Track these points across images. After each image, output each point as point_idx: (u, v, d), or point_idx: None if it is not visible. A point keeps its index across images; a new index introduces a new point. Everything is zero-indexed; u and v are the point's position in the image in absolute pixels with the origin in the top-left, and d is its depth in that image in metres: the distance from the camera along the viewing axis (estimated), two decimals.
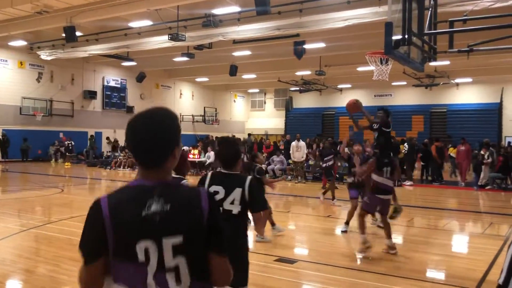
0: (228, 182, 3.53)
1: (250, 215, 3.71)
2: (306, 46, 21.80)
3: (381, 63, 14.60)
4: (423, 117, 34.83)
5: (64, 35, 19.21)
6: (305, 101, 40.58)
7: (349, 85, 36.54)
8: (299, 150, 18.39)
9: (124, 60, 27.45)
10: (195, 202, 1.82)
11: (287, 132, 34.75)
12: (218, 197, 3.47)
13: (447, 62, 24.07)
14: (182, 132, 1.95)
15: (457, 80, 32.56)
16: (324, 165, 13.65)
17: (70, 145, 27.02)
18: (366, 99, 37.34)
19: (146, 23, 19.21)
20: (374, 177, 7.22)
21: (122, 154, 24.91)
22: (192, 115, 36.48)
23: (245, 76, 32.28)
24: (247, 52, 24.53)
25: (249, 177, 3.59)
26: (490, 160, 17.19)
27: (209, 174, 3.73)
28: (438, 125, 34.54)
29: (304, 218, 11.16)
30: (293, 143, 18.71)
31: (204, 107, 38.64)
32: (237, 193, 3.49)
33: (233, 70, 27.12)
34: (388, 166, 7.18)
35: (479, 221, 11.28)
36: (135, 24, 19.56)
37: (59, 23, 18.70)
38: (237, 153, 3.70)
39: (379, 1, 14.23)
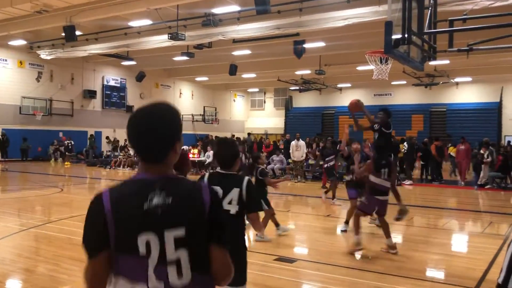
0: (226, 182, 3.53)
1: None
2: (306, 46, 21.80)
3: (381, 62, 14.60)
4: (423, 116, 34.86)
5: (63, 34, 19.21)
6: (305, 101, 40.60)
7: (349, 85, 36.55)
8: (298, 149, 18.39)
9: (123, 60, 27.47)
10: (197, 195, 1.83)
11: (287, 131, 34.75)
12: None
13: (446, 61, 24.08)
14: (182, 132, 1.96)
15: (457, 79, 32.57)
16: (325, 165, 13.64)
17: (69, 144, 27.03)
18: (366, 98, 37.33)
19: (145, 22, 19.21)
20: (372, 178, 7.22)
21: (122, 154, 24.91)
22: (192, 115, 36.48)
23: (245, 76, 32.27)
24: (247, 52, 24.53)
25: (247, 178, 3.60)
26: (489, 159, 17.19)
27: (207, 174, 3.75)
28: (437, 124, 34.56)
29: (304, 218, 11.17)
30: (293, 143, 18.71)
31: (204, 107, 38.64)
32: (234, 193, 3.50)
33: (233, 70, 27.13)
34: (385, 168, 7.18)
35: (479, 220, 11.28)
36: (134, 23, 19.56)
37: (58, 23, 18.71)
38: (235, 154, 3.71)
39: (379, 0, 14.23)
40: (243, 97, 44.92)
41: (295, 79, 32.75)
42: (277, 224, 8.31)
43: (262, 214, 8.19)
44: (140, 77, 31.16)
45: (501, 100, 33.01)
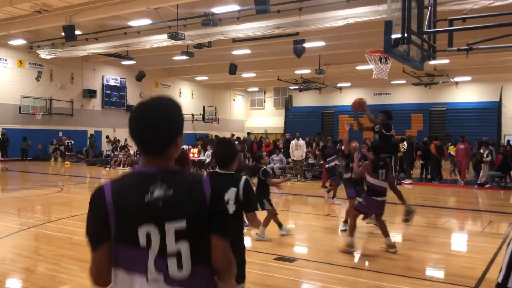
0: (224, 182, 3.54)
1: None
2: (306, 45, 21.80)
3: (381, 61, 14.60)
4: (423, 115, 34.83)
5: (63, 34, 19.19)
6: (305, 100, 40.59)
7: (348, 84, 36.55)
8: (298, 148, 18.39)
9: (123, 59, 27.46)
10: (197, 187, 1.83)
11: (287, 130, 34.74)
12: None
13: (446, 61, 24.09)
14: (183, 125, 1.96)
15: (457, 79, 32.57)
16: (327, 165, 13.64)
17: (69, 144, 27.03)
18: (365, 97, 36.85)
19: (145, 22, 19.20)
20: (370, 179, 7.24)
21: (122, 153, 24.91)
22: (192, 114, 36.48)
23: (245, 75, 32.27)
24: (246, 51, 24.52)
25: (244, 177, 3.62)
26: (489, 158, 17.19)
27: (205, 174, 3.78)
28: (437, 123, 34.55)
29: (303, 217, 11.17)
30: (293, 142, 18.71)
31: (204, 106, 38.64)
32: (232, 193, 3.51)
33: (233, 69, 27.13)
34: (383, 168, 7.20)
35: (479, 219, 11.29)
36: (134, 23, 19.55)
37: (58, 22, 18.70)
38: (233, 154, 3.74)
39: (379, 0, 14.23)
40: (243, 97, 44.92)
41: (295, 78, 32.75)
42: (280, 225, 8.30)
43: (264, 214, 8.22)
44: (140, 77, 31.16)
45: (500, 100, 33.00)
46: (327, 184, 15.96)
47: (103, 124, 31.29)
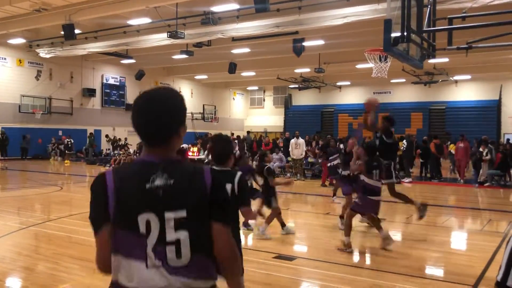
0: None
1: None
2: (305, 44, 21.80)
3: (380, 60, 14.62)
4: (422, 114, 34.85)
5: (63, 32, 19.18)
6: (304, 99, 40.60)
7: (348, 83, 36.57)
8: (298, 147, 18.38)
9: (123, 58, 27.45)
10: (198, 177, 1.84)
11: (286, 129, 34.76)
12: None
13: (446, 59, 24.10)
14: (186, 116, 1.97)
15: (456, 77, 32.58)
16: (329, 164, 13.63)
17: (69, 143, 27.01)
18: (365, 96, 37.24)
19: (145, 20, 19.19)
20: (365, 179, 7.27)
21: (121, 152, 24.90)
22: (191, 113, 36.46)
23: (244, 74, 32.27)
24: (246, 50, 24.52)
25: (239, 173, 3.66)
26: (488, 157, 17.20)
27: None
28: (437, 122, 34.58)
29: (303, 216, 11.17)
30: (292, 141, 18.70)
31: (203, 105, 38.63)
32: (228, 189, 3.53)
33: (232, 68, 27.12)
34: (377, 169, 7.24)
35: (478, 218, 11.29)
36: (134, 21, 19.54)
37: (58, 21, 18.69)
38: (229, 150, 3.81)
39: None
40: (243, 95, 44.91)
41: (294, 77, 32.75)
42: (283, 224, 8.32)
43: (266, 213, 8.24)
44: (139, 76, 31.14)
45: (500, 98, 33.02)
46: (327, 183, 15.99)
47: (102, 123, 31.28)
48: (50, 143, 27.97)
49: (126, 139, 27.41)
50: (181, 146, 2.01)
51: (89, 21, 20.14)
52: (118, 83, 32.51)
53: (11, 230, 8.31)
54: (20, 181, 18.04)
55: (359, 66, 25.98)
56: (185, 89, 37.90)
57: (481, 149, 17.54)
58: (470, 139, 21.32)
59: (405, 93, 36.05)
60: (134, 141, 26.13)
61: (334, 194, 12.47)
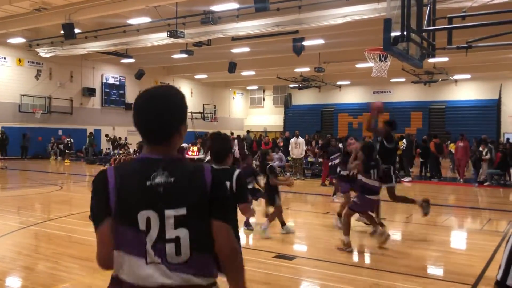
0: None
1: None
2: (305, 43, 21.80)
3: (380, 59, 14.63)
4: (422, 113, 34.86)
5: (62, 32, 19.18)
6: (304, 98, 40.59)
7: (348, 82, 36.57)
8: (298, 147, 18.38)
9: (123, 57, 27.44)
10: (199, 175, 1.85)
11: (286, 129, 34.76)
12: None
13: (445, 59, 24.09)
14: (187, 114, 1.97)
15: (456, 77, 32.58)
16: (330, 163, 13.64)
17: (69, 142, 27.00)
18: (365, 95, 37.44)
19: (144, 20, 19.18)
20: (363, 179, 7.29)
21: (121, 151, 24.88)
22: (191, 112, 36.45)
23: (244, 73, 32.26)
24: (246, 49, 24.52)
25: (237, 170, 3.69)
26: (488, 156, 17.20)
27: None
28: (436, 121, 34.58)
29: (303, 215, 11.17)
30: (292, 140, 18.70)
31: (203, 104, 38.62)
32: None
33: (232, 67, 27.10)
34: (374, 168, 7.26)
35: (478, 217, 11.30)
36: (133, 21, 19.53)
37: (57, 20, 18.68)
38: (227, 148, 3.85)
39: None
40: (242, 95, 44.90)
41: (294, 76, 32.73)
42: (283, 223, 8.33)
43: (269, 211, 8.26)
44: (139, 75, 31.13)
45: (500, 97, 33.02)
46: (327, 182, 15.99)
47: (102, 122, 31.28)
48: (50, 143, 27.96)
49: (126, 138, 27.38)
50: (181, 145, 2.01)
51: (89, 20, 20.13)
52: (118, 83, 32.50)
53: (11, 230, 8.31)
54: (20, 180, 18.05)
55: (359, 65, 25.97)
56: (185, 89, 37.85)
57: (480, 149, 17.54)
58: (470, 139, 21.33)
59: (405, 93, 36.05)
60: (134, 140, 26.13)
61: (335, 193, 12.47)
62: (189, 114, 36.28)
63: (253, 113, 44.90)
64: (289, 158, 19.38)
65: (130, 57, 27.16)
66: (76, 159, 27.77)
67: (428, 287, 5.63)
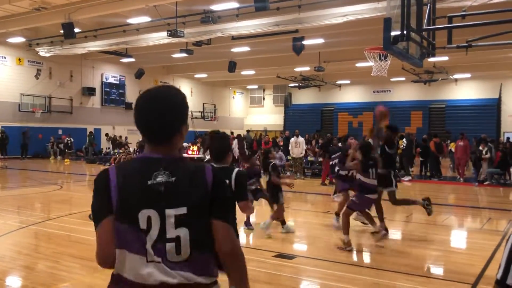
0: None
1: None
2: (305, 42, 21.78)
3: (380, 59, 14.63)
4: (422, 113, 34.85)
5: (62, 31, 19.17)
6: (304, 97, 40.58)
7: (348, 81, 36.56)
8: (298, 146, 18.38)
9: (122, 57, 27.42)
10: (200, 175, 1.86)
11: (286, 128, 34.76)
12: None
13: (445, 58, 24.07)
14: (188, 115, 1.98)
15: (456, 76, 32.56)
16: (331, 162, 13.64)
17: (69, 141, 26.99)
18: (365, 95, 37.46)
19: (144, 19, 19.17)
20: (361, 178, 7.30)
21: (121, 151, 24.88)
22: (191, 112, 36.44)
23: (244, 72, 32.25)
24: (246, 48, 24.51)
25: (236, 169, 3.74)
26: (488, 155, 17.20)
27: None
28: (437, 121, 34.57)
29: (303, 214, 11.17)
30: (292, 139, 18.70)
31: (203, 104, 38.62)
32: None
33: (232, 66, 27.09)
34: (372, 167, 7.27)
35: (478, 216, 11.31)
36: (133, 20, 19.52)
37: (57, 20, 18.67)
38: (226, 147, 3.89)
39: None
40: (242, 94, 44.89)
41: (294, 75, 32.72)
42: (283, 222, 8.33)
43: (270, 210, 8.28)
44: (139, 74, 31.12)
45: (500, 97, 33.00)
46: (327, 182, 15.99)
47: (102, 122, 31.28)
48: (49, 143, 27.95)
49: (126, 137, 27.37)
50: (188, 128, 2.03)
51: (88, 19, 20.11)
52: (117, 82, 32.49)
53: (11, 229, 8.31)
54: (20, 180, 18.05)
55: (359, 64, 25.95)
56: (185, 88, 37.86)
57: (480, 148, 17.54)
58: (470, 138, 21.33)
59: (405, 92, 36.03)
60: (134, 139, 26.14)
61: (335, 193, 12.46)
62: (189, 114, 36.23)
63: (253, 112, 44.89)
64: (289, 157, 19.38)
65: (130, 56, 27.14)
66: (76, 158, 27.77)
67: (428, 286, 5.63)
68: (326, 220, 9.94)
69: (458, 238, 9.01)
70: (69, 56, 26.23)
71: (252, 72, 32.38)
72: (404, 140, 19.42)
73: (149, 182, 1.79)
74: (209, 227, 1.84)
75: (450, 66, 28.73)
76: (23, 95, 26.72)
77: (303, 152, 18.71)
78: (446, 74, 30.00)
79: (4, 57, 26.20)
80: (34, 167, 22.11)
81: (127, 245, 1.79)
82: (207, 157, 20.84)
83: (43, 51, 24.49)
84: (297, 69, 30.48)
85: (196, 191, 1.82)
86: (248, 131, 33.11)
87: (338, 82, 37.11)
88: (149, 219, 1.78)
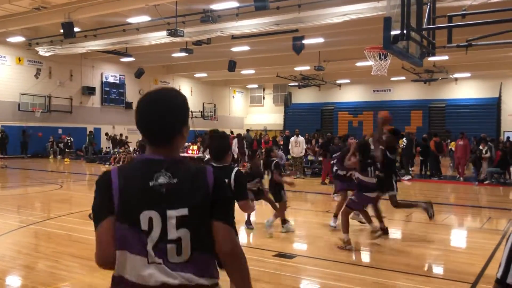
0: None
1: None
2: (305, 42, 21.78)
3: (380, 58, 14.61)
4: (422, 112, 34.86)
5: (62, 31, 19.17)
6: (304, 97, 40.58)
7: (348, 80, 36.56)
8: (298, 145, 18.38)
9: (122, 56, 27.41)
10: (201, 176, 1.86)
11: (286, 127, 34.76)
12: None
13: (445, 57, 24.07)
14: (189, 116, 1.98)
15: (456, 75, 32.57)
16: (332, 161, 13.63)
17: (69, 141, 26.99)
18: (365, 94, 37.46)
19: (144, 18, 19.16)
20: (360, 177, 7.31)
21: (121, 150, 24.89)
22: (191, 111, 36.31)
23: (244, 72, 32.24)
24: (245, 48, 24.51)
25: (236, 169, 3.76)
26: (488, 155, 17.20)
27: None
28: (437, 120, 34.58)
29: (303, 213, 11.17)
30: (292, 139, 18.70)
31: (203, 103, 38.61)
32: None
33: (232, 66, 27.09)
34: (371, 166, 7.27)
35: (478, 215, 11.31)
36: (133, 19, 19.51)
37: (57, 19, 18.67)
38: (226, 147, 3.90)
39: None
40: (242, 94, 44.89)
41: (294, 75, 32.72)
42: (284, 221, 8.32)
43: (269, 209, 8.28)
44: (139, 74, 31.11)
45: (500, 96, 33.01)
46: (327, 181, 15.99)
47: (102, 121, 31.27)
48: (49, 142, 27.94)
49: (126, 137, 27.35)
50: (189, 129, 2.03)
51: (88, 19, 20.11)
52: (117, 81, 32.49)
53: (11, 229, 8.31)
54: (20, 179, 18.04)
55: (358, 64, 25.95)
56: (185, 87, 37.88)
57: (480, 147, 17.54)
58: (470, 137, 21.33)
59: (405, 91, 36.04)
60: (134, 139, 26.13)
61: (335, 192, 12.46)
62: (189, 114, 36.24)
63: (253, 111, 44.89)
64: (289, 156, 19.38)
65: (130, 55, 27.14)
66: (76, 158, 27.76)
67: (428, 286, 5.62)
68: (326, 220, 9.94)
69: (458, 237, 9.02)
70: (69, 56, 26.24)
71: (252, 71, 32.38)
72: (404, 139, 19.41)
73: (151, 183, 1.80)
74: (209, 228, 1.84)
75: (450, 65, 28.73)
76: (23, 94, 26.72)
77: (303, 151, 18.71)
78: (446, 73, 30.00)
79: (4, 57, 26.20)
80: (34, 166, 22.10)
81: (128, 246, 1.80)
82: (207, 156, 20.84)
83: (43, 51, 24.49)
84: (297, 69, 30.48)
85: (197, 192, 1.83)
86: (248, 130, 33.12)
87: (338, 82, 37.12)
88: (150, 220, 1.78)
